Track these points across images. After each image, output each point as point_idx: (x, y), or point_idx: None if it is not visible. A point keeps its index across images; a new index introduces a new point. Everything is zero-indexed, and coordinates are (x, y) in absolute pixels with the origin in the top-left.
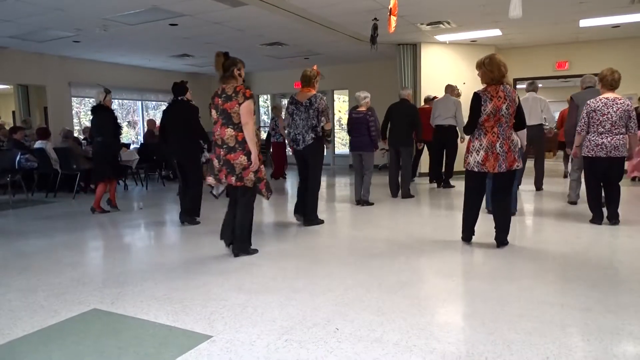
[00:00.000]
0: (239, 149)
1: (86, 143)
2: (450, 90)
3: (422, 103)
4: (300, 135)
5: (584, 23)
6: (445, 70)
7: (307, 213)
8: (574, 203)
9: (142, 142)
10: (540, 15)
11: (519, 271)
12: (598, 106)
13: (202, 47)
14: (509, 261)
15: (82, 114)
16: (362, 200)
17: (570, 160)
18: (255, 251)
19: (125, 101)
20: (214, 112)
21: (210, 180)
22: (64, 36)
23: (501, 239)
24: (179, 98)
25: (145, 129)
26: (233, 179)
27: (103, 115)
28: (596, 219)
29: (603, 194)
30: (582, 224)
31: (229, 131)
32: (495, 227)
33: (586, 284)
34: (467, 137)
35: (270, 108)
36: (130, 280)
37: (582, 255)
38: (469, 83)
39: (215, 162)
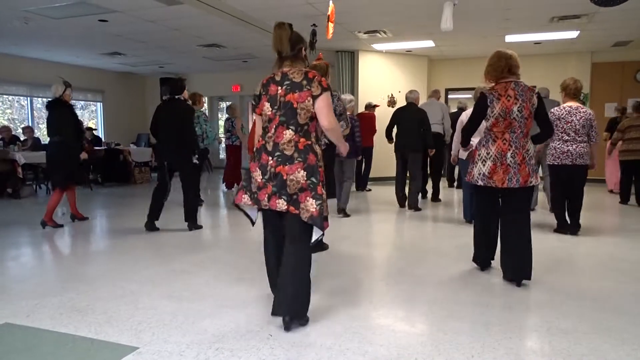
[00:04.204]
0: (298, 160)
1: None
2: (436, 95)
3: (363, 109)
4: None
5: (509, 38)
6: (382, 78)
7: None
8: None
9: None
10: (470, 29)
11: (450, 274)
12: (562, 114)
13: (135, 45)
14: (442, 266)
15: None
16: (341, 209)
17: None
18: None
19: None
20: (267, 105)
21: (244, 199)
22: None
23: (519, 275)
24: (176, 96)
25: None
26: (280, 202)
27: (62, 112)
28: (561, 228)
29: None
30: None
31: (288, 134)
32: (504, 255)
33: (510, 285)
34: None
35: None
36: (50, 291)
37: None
38: (404, 92)
39: (257, 176)
